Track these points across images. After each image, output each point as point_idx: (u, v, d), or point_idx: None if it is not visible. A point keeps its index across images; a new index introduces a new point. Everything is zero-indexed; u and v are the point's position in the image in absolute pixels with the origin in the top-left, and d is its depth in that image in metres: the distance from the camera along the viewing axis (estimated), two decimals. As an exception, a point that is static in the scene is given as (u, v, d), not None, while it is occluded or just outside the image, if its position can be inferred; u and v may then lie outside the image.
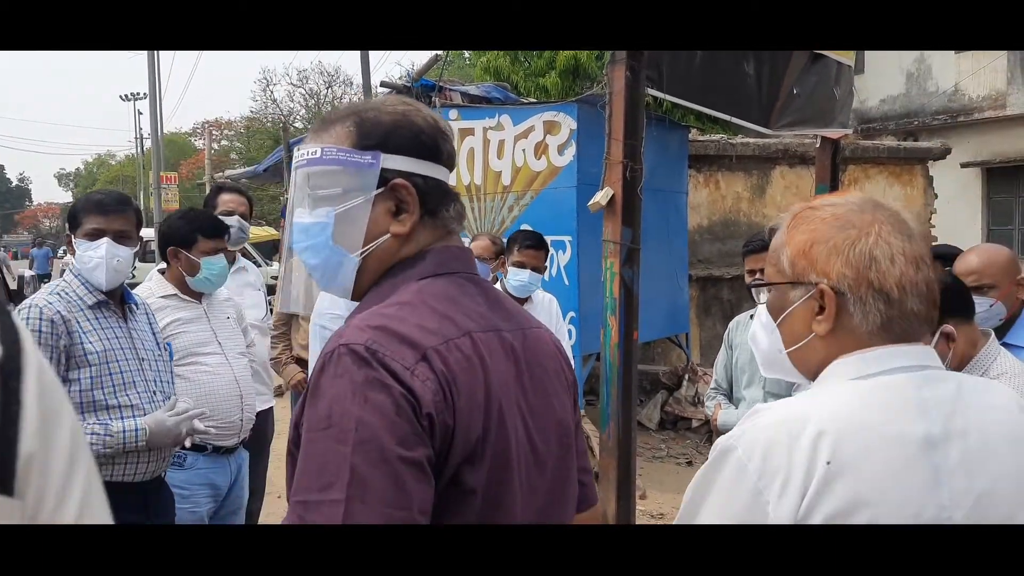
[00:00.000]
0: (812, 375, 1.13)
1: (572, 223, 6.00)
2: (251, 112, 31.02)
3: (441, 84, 6.94)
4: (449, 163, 1.15)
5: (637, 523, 4.62)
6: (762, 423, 1.03)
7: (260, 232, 15.01)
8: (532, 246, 3.47)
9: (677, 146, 7.49)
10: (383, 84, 7.18)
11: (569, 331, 6.19)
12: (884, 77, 15.64)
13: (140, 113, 20.96)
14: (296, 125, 21.86)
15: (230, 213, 3.31)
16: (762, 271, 1.82)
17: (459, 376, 1.00)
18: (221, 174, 15.19)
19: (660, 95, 4.31)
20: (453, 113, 6.55)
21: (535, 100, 9.06)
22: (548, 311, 3.52)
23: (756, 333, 1.24)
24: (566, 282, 6.17)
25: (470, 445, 1.00)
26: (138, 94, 30.55)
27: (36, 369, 0.46)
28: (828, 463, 0.97)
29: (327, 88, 29.18)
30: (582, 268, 5.95)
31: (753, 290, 1.05)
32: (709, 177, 9.17)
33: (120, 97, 27.61)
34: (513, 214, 6.33)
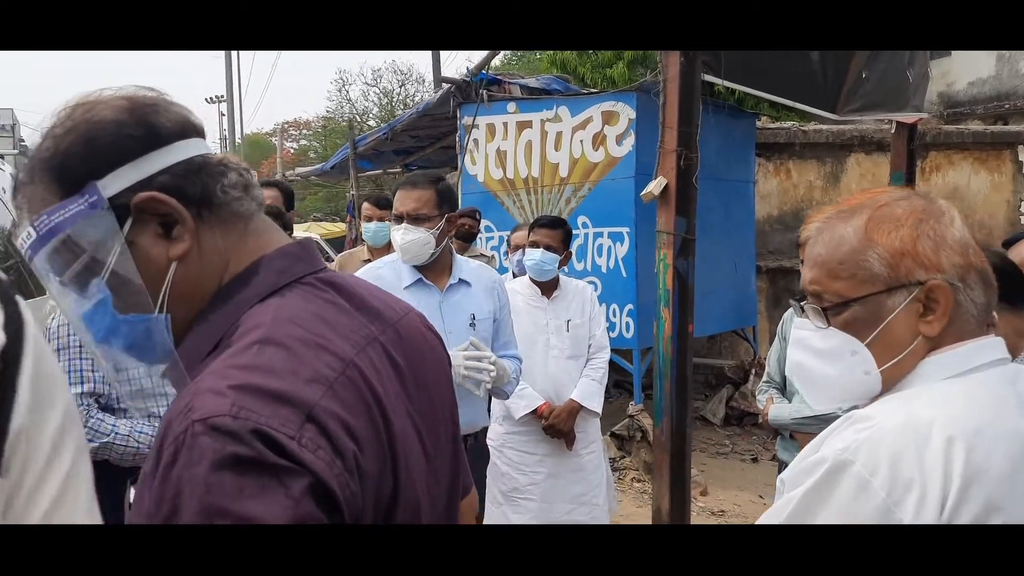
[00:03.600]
0: (892, 387, 1.03)
1: (630, 214, 5.90)
2: (327, 112, 31.75)
3: (500, 77, 6.91)
4: (184, 131, 0.88)
5: (694, 521, 4.51)
6: (879, 433, 0.92)
7: (334, 228, 15.32)
8: (545, 225, 3.40)
9: (743, 134, 7.29)
10: (443, 80, 7.20)
11: (627, 324, 6.10)
12: (973, 59, 14.91)
13: (223, 115, 21.70)
14: (370, 124, 22.24)
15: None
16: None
17: (356, 428, 0.79)
18: (292, 171, 15.57)
19: (717, 81, 4.18)
20: (511, 106, 6.53)
21: (607, 91, 8.96)
22: (581, 299, 3.44)
23: (807, 364, 1.08)
24: (624, 274, 6.07)
25: (382, 505, 0.83)
26: (222, 97, 31.52)
27: (34, 357, 0.47)
28: (963, 471, 0.89)
29: (400, 86, 29.61)
30: (640, 260, 5.84)
31: (800, 311, 0.92)
32: (779, 166, 8.90)
33: (205, 100, 28.54)
34: (570, 206, 6.26)
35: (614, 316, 6.16)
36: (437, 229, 2.48)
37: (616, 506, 3.92)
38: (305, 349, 0.81)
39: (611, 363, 6.76)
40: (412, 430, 0.90)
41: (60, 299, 0.86)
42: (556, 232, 3.33)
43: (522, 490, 3.28)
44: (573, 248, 6.38)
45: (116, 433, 2.09)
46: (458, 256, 2.65)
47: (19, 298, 0.54)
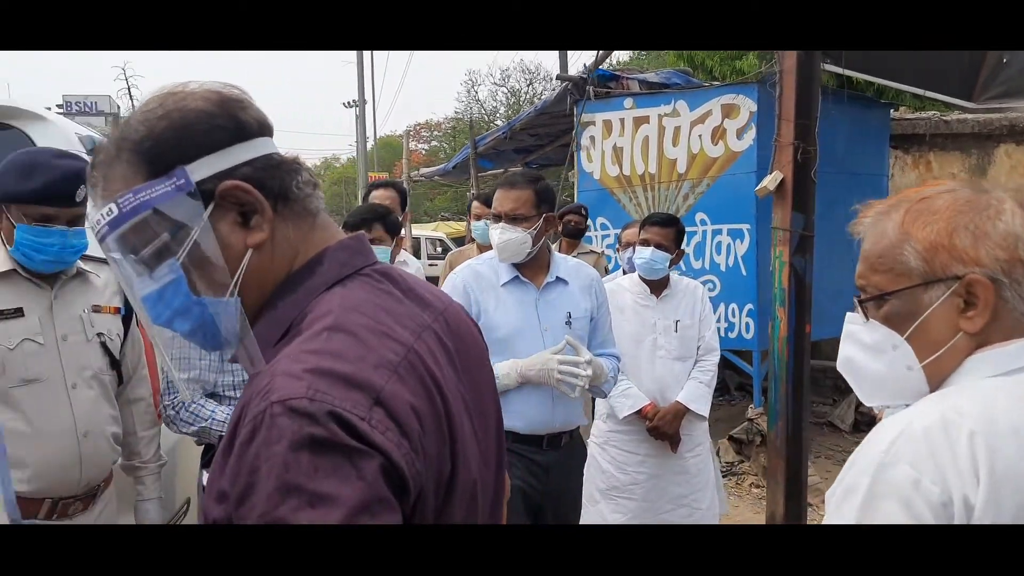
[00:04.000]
0: (939, 385, 1.00)
1: (751, 211, 5.72)
2: (455, 112, 32.45)
3: (618, 73, 6.86)
4: (263, 129, 0.92)
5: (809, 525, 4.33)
6: (915, 431, 0.91)
7: (459, 226, 15.67)
8: (657, 223, 3.34)
9: (876, 125, 6.92)
10: (559, 77, 7.22)
11: (747, 324, 5.92)
12: None
13: (358, 118, 22.73)
14: (497, 123, 22.58)
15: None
16: None
17: (420, 410, 0.83)
18: (416, 172, 16.03)
19: (838, 70, 4.00)
20: (628, 102, 6.46)
21: (726, 83, 8.73)
22: (691, 299, 3.36)
23: (856, 359, 1.07)
24: (744, 272, 5.90)
25: (443, 484, 0.86)
26: (364, 101, 32.93)
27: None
28: (988, 470, 0.87)
29: (528, 85, 29.89)
30: (761, 258, 5.66)
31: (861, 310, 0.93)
32: (919, 158, 8.38)
33: (343, 104, 29.83)
34: (688, 202, 6.14)
35: (733, 316, 6.00)
36: (535, 229, 2.49)
37: (726, 508, 3.83)
38: (370, 336, 0.84)
39: (732, 365, 6.64)
40: (465, 413, 0.94)
41: (125, 278, 0.89)
42: (668, 230, 3.27)
43: (622, 489, 3.26)
44: (690, 246, 6.33)
45: (214, 419, 2.22)
46: (556, 254, 2.66)
47: None
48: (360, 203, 3.88)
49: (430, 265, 13.67)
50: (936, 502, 0.87)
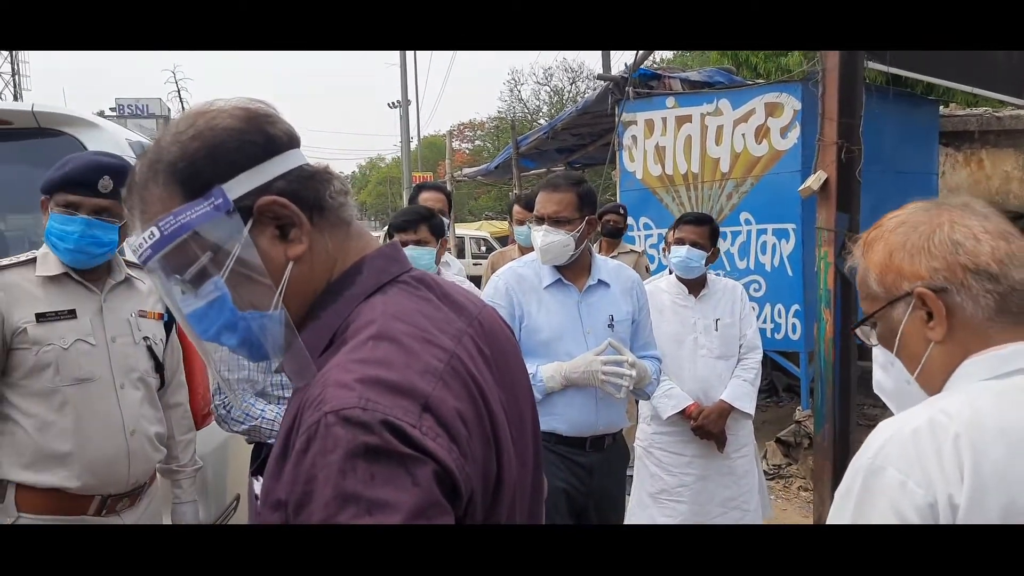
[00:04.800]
0: (939, 391, 1.05)
1: (796, 210, 5.65)
2: (498, 112, 32.54)
3: (660, 72, 6.83)
4: (292, 142, 0.93)
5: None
6: (902, 434, 0.95)
7: (502, 226, 15.72)
8: (690, 221, 3.32)
9: (925, 122, 6.77)
10: (600, 77, 7.20)
11: (793, 325, 5.85)
12: None
13: (402, 118, 22.99)
14: (540, 122, 22.58)
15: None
16: None
17: (466, 415, 0.85)
18: (459, 172, 16.11)
19: (883, 68, 3.94)
20: (670, 101, 6.43)
21: (770, 81, 8.62)
22: (731, 298, 3.33)
23: (879, 381, 1.15)
24: (789, 273, 5.83)
25: (490, 487, 0.87)
26: (407, 102, 33.22)
27: None
28: (972, 471, 0.90)
29: (571, 84, 29.84)
30: (807, 258, 5.58)
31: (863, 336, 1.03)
32: (970, 155, 8.19)
33: (388, 105, 30.12)
34: (732, 202, 6.08)
35: (779, 317, 5.93)
36: (578, 231, 2.51)
37: (770, 511, 3.79)
38: (414, 343, 0.86)
39: (779, 366, 6.56)
40: (502, 416, 0.95)
41: (169, 295, 0.91)
42: (702, 228, 3.26)
43: (671, 492, 3.24)
44: (735, 246, 6.27)
45: (264, 417, 2.27)
46: (597, 256, 2.67)
47: None
48: (406, 204, 3.92)
49: (474, 264, 13.73)
50: (922, 503, 0.90)
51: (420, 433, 0.78)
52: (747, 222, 6.03)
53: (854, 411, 4.00)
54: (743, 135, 5.98)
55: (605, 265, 2.65)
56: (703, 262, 3.24)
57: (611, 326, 2.53)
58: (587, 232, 2.54)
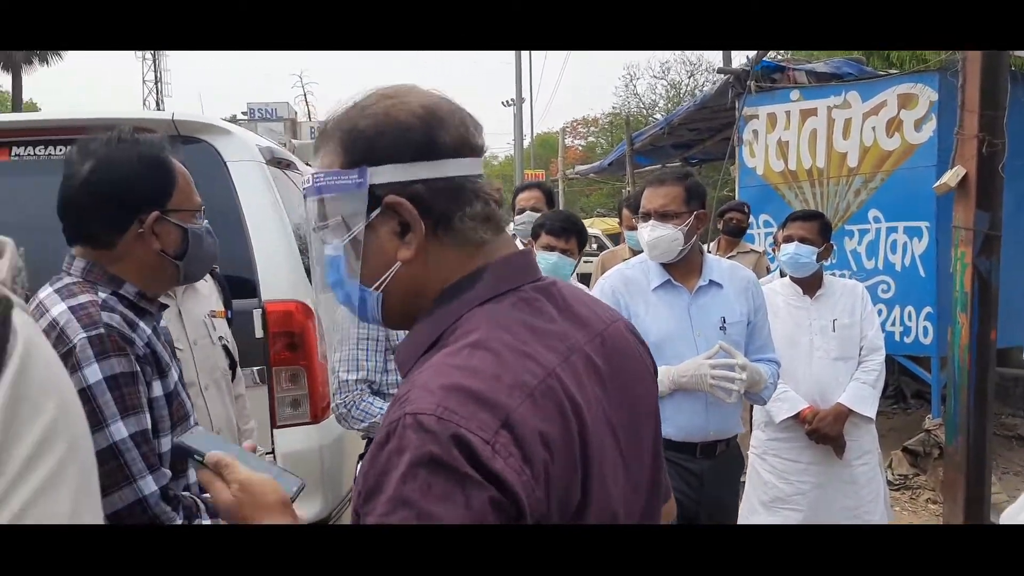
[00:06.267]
0: None
1: (930, 207, 5.33)
2: (612, 108, 32.25)
3: (783, 64, 6.59)
4: (459, 151, 0.94)
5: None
6: None
7: (614, 223, 15.61)
8: (799, 217, 3.20)
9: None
10: (720, 71, 7.01)
11: (925, 329, 5.54)
12: None
13: (515, 117, 23.24)
14: (656, 117, 22.25)
15: (523, 211, 3.56)
16: None
17: (550, 437, 0.83)
18: (571, 169, 16.07)
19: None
20: (794, 94, 6.19)
21: (904, 72, 8.17)
22: (850, 298, 3.17)
23: None
24: (922, 273, 5.51)
25: (569, 513, 0.85)
26: (513, 100, 33.58)
27: (15, 373, 0.51)
28: None
29: (689, 77, 29.24)
30: (941, 258, 5.27)
31: None
32: None
33: (502, 103, 30.45)
34: (860, 198, 5.80)
35: (909, 320, 5.62)
36: (686, 226, 2.44)
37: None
38: (511, 355, 0.86)
39: (907, 371, 6.22)
40: (610, 439, 0.93)
41: (312, 239, 1.00)
42: (811, 223, 3.13)
43: (786, 500, 3.13)
44: (862, 245, 5.98)
45: (381, 414, 2.33)
46: (709, 256, 2.60)
47: (17, 313, 0.54)
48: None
49: (584, 261, 13.66)
50: None
51: (491, 451, 0.78)
52: (876, 220, 5.74)
53: (991, 421, 3.74)
54: (873, 128, 5.70)
55: (718, 265, 2.58)
56: (814, 258, 3.11)
57: (723, 328, 2.46)
58: (696, 227, 2.47)
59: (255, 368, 2.73)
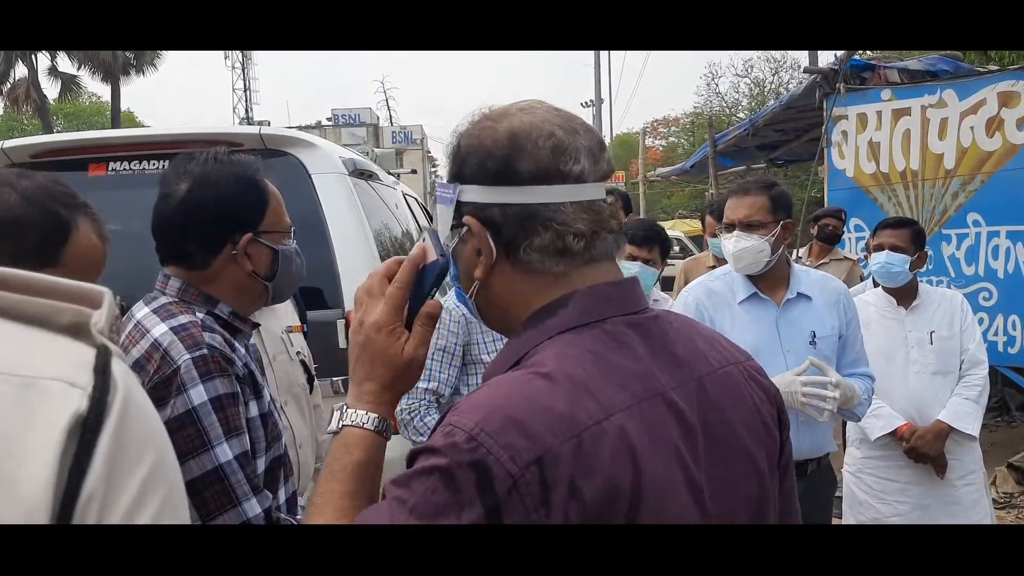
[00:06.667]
0: None
1: (1035, 210, 5.05)
2: (694, 107, 31.71)
3: (874, 62, 6.34)
4: (545, 177, 0.92)
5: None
6: None
7: (697, 225, 15.36)
8: (889, 225, 3.06)
9: None
10: (807, 70, 6.79)
11: (1030, 340, 5.24)
12: None
13: (595, 117, 23.16)
14: (739, 116, 21.78)
15: None
16: None
17: (585, 489, 0.79)
18: (652, 172, 15.86)
19: None
20: (886, 93, 5.95)
21: (1004, 69, 7.76)
22: (949, 308, 3.01)
23: None
24: (1027, 281, 5.21)
25: None
26: (600, 100, 33.50)
27: (116, 424, 0.52)
28: None
29: (773, 75, 28.50)
30: (1049, 264, 4.98)
31: None
32: None
33: (580, 104, 30.38)
34: (957, 202, 5.53)
35: (1013, 329, 5.33)
36: (772, 236, 2.36)
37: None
38: (571, 390, 0.83)
39: (1011, 383, 5.90)
40: (684, 492, 0.87)
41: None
42: (902, 231, 2.99)
43: (883, 521, 2.98)
44: (960, 250, 5.69)
45: None
46: (797, 267, 2.50)
47: (116, 362, 0.56)
48: None
49: (667, 265, 13.48)
50: None
51: (511, 484, 0.77)
52: (976, 224, 5.46)
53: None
54: (971, 128, 5.43)
55: (807, 276, 2.48)
56: (907, 267, 2.97)
57: (813, 343, 2.36)
58: (783, 237, 2.38)
59: (333, 379, 2.74)
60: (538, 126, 0.93)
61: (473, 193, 0.94)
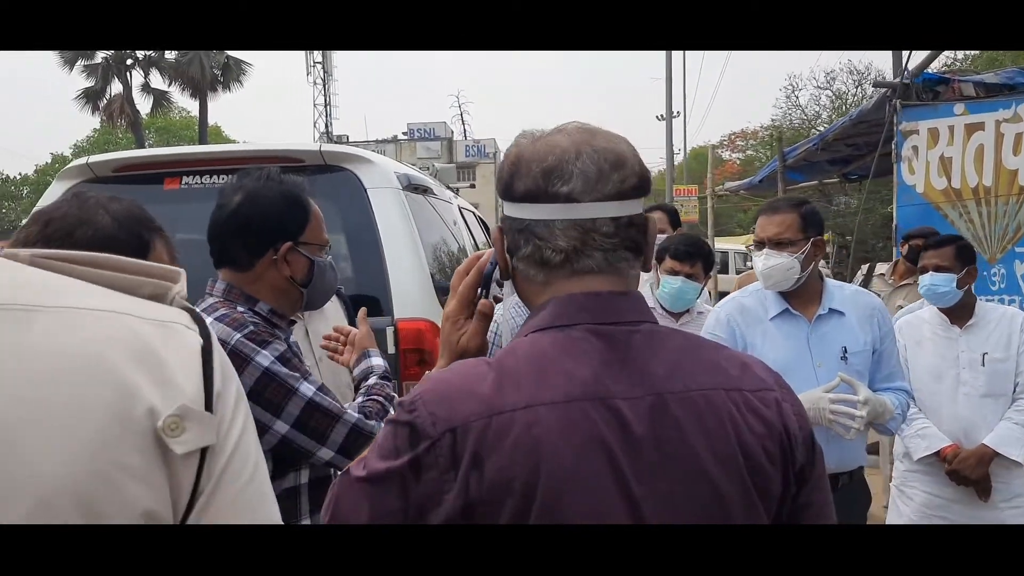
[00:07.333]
0: None
1: (1114, 229, 4.85)
2: (772, 120, 31.10)
3: (947, 76, 6.20)
4: (534, 196, 1.02)
5: None
6: None
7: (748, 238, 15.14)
8: (932, 245, 3.01)
9: None
10: (875, 84, 6.67)
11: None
12: None
13: (667, 131, 23.11)
14: (819, 129, 21.30)
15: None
16: None
17: (489, 465, 0.90)
18: (721, 187, 15.67)
19: None
20: (959, 107, 5.81)
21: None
22: (1006, 329, 2.93)
23: None
24: (1103, 301, 5.01)
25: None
26: (672, 114, 33.36)
27: (218, 353, 0.70)
28: None
29: (856, 87, 27.75)
30: None
31: None
32: None
33: (656, 118, 30.33)
34: (1031, 219, 5.36)
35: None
36: (802, 253, 2.38)
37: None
38: (500, 378, 0.95)
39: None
40: (610, 492, 0.91)
41: None
42: (945, 249, 2.96)
43: (926, 538, 2.95)
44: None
45: None
46: (829, 282, 2.51)
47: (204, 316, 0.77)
48: None
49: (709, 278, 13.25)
50: None
51: (430, 443, 0.91)
52: (1051, 242, 5.28)
53: None
54: (1047, 143, 5.26)
55: (840, 292, 2.49)
56: (953, 285, 2.92)
57: (844, 358, 2.37)
58: (814, 254, 2.41)
59: None
60: (540, 151, 1.02)
61: (504, 205, 1.08)
